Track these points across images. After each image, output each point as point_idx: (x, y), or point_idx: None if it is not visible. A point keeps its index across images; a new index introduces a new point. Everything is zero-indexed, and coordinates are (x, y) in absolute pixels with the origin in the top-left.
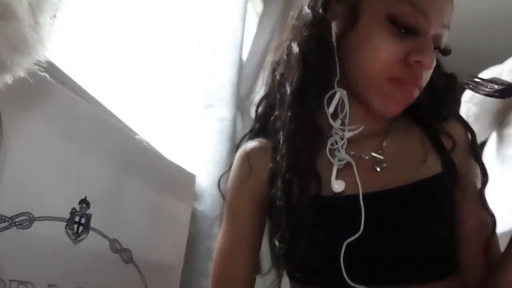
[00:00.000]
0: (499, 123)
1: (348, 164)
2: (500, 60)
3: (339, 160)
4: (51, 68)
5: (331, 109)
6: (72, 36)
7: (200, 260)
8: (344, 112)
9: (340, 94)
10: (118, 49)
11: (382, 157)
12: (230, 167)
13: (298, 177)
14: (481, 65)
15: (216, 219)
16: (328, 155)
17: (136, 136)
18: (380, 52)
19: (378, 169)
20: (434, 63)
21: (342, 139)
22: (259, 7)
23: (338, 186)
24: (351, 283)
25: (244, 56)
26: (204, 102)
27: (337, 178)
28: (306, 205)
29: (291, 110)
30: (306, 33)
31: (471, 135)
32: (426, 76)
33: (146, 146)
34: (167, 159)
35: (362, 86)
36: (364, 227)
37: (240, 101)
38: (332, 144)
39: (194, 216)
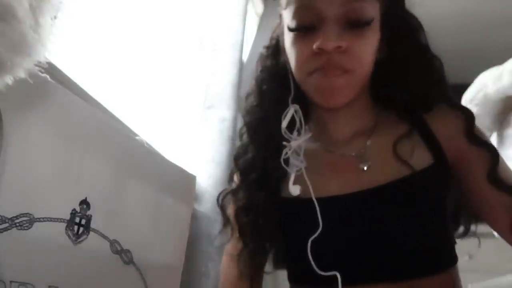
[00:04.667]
0: (499, 124)
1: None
2: (500, 61)
3: (296, 167)
4: (52, 69)
5: (284, 124)
6: (73, 37)
7: (201, 261)
8: (298, 124)
9: (293, 109)
10: (118, 50)
11: (365, 156)
12: (230, 178)
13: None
14: (481, 66)
15: (216, 220)
16: (283, 164)
17: (137, 137)
18: (293, 56)
19: (363, 168)
20: (336, 44)
21: (299, 148)
22: (260, 8)
23: (294, 190)
24: (321, 272)
25: (245, 57)
26: (205, 103)
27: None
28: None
29: (255, 135)
30: (260, 68)
31: (466, 117)
32: (347, 58)
33: (147, 147)
34: (168, 160)
35: (304, 90)
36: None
37: (241, 102)
38: (285, 153)
39: (195, 217)
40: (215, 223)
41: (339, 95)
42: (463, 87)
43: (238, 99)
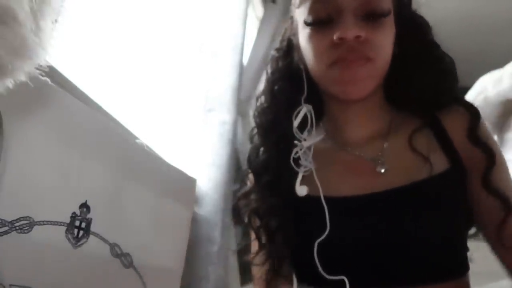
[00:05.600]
0: (500, 127)
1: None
2: (500, 64)
3: (305, 167)
4: (52, 72)
5: (296, 123)
6: (73, 41)
7: (201, 264)
8: (309, 124)
9: (305, 109)
10: (119, 53)
11: (383, 160)
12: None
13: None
14: (482, 69)
15: (216, 224)
16: (292, 164)
17: (137, 140)
18: (311, 50)
19: (380, 171)
20: (356, 33)
21: (309, 148)
22: (260, 11)
23: (301, 191)
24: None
25: (245, 61)
26: (205, 106)
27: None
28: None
29: (267, 136)
30: (272, 70)
31: (471, 115)
32: (368, 47)
33: (147, 150)
34: (168, 163)
35: (321, 85)
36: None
37: (241, 105)
38: (296, 153)
39: (195, 220)
40: (215, 227)
41: (361, 85)
42: (463, 90)
43: (238, 102)
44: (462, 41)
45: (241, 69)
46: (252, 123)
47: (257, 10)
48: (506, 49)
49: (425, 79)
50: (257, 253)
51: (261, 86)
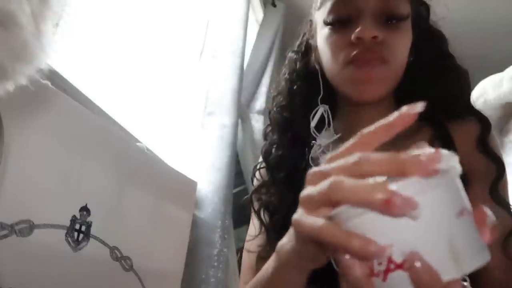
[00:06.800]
0: (499, 130)
1: None
2: (500, 68)
3: None
4: (53, 75)
5: (313, 123)
6: (74, 44)
7: (201, 267)
8: (326, 124)
9: (322, 109)
10: (120, 56)
11: None
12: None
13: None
14: (482, 72)
15: (216, 226)
16: (311, 162)
17: (137, 143)
18: (328, 49)
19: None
20: (374, 33)
21: (328, 148)
22: (260, 15)
23: None
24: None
25: (245, 64)
26: (205, 110)
27: None
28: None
29: (283, 134)
30: (289, 70)
31: (482, 126)
32: (384, 48)
33: (147, 153)
34: (168, 166)
35: (336, 85)
36: None
37: (241, 108)
38: (315, 152)
39: (195, 223)
40: (215, 230)
41: (375, 86)
42: None
43: (238, 105)
44: (462, 44)
45: (241, 72)
46: (254, 125)
47: (257, 14)
48: (507, 53)
49: (439, 89)
50: (263, 246)
51: (262, 89)
